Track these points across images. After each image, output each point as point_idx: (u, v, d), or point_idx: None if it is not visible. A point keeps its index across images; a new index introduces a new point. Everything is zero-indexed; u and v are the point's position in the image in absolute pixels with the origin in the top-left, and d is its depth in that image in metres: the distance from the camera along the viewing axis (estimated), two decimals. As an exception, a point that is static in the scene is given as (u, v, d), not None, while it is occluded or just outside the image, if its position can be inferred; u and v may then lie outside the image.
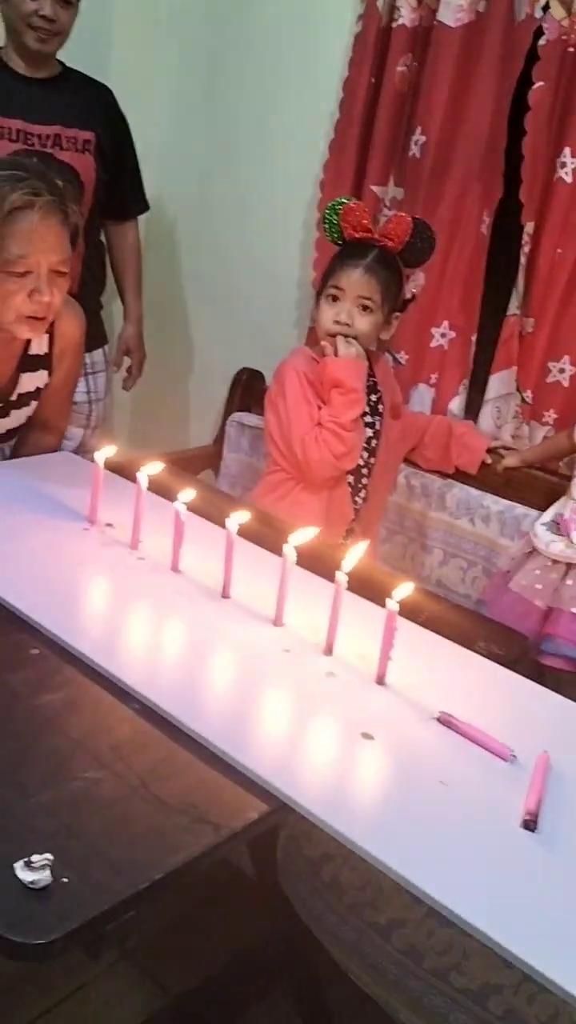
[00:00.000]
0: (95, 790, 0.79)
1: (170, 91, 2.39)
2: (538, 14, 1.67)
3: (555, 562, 1.61)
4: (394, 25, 1.85)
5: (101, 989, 1.44)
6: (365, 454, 1.79)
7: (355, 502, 1.81)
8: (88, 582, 1.16)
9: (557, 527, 1.63)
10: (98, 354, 2.13)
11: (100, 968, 1.46)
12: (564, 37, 1.66)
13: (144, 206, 2.19)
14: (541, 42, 1.67)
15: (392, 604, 0.99)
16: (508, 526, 1.84)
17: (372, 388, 1.80)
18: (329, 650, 1.07)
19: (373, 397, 1.80)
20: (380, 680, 1.02)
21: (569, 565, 1.60)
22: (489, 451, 1.87)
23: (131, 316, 2.22)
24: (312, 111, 2.10)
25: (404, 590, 1.01)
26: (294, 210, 2.21)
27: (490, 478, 1.90)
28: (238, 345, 2.41)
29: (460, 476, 1.93)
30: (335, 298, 1.68)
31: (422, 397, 2.02)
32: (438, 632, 1.17)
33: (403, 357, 2.00)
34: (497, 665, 1.11)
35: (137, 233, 2.19)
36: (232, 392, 2.31)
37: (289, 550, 1.09)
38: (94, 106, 1.97)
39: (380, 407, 1.81)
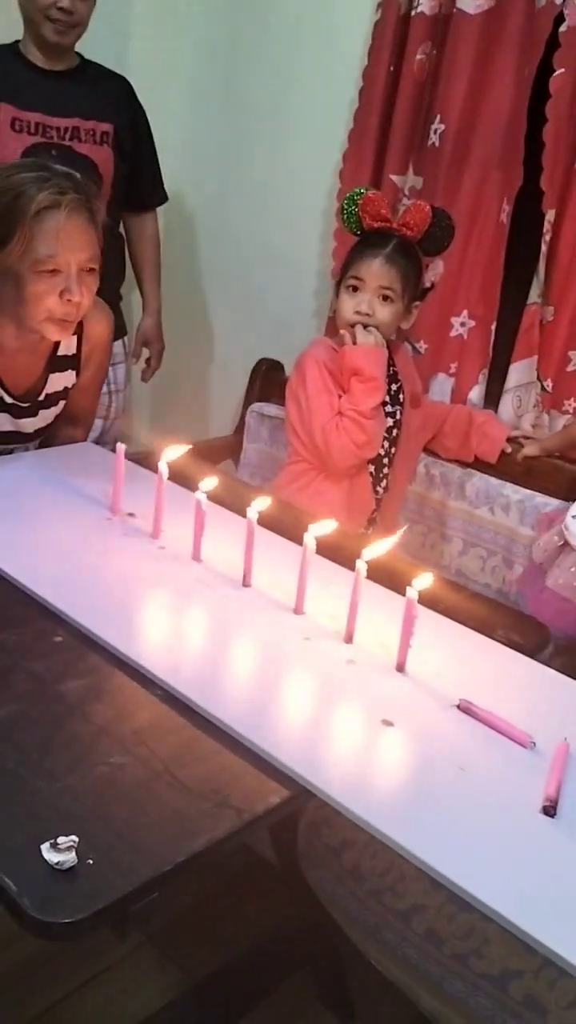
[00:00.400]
0: (119, 775, 0.80)
1: (188, 82, 2.39)
2: (559, 0, 1.65)
3: None
4: (413, 13, 1.84)
5: (124, 972, 1.46)
6: (386, 444, 1.80)
7: (376, 492, 1.82)
8: (111, 571, 1.17)
9: None
10: (117, 345, 2.15)
11: (123, 951, 1.48)
12: (585, 22, 1.64)
13: (163, 197, 2.19)
14: (562, 29, 1.66)
15: (412, 592, 1.00)
16: (528, 515, 1.83)
17: (393, 377, 1.81)
18: (349, 638, 1.08)
19: (394, 386, 1.80)
20: (400, 668, 1.03)
21: None
22: (509, 440, 1.87)
23: (150, 307, 2.23)
24: (331, 100, 2.10)
25: (424, 579, 1.01)
26: (313, 199, 2.21)
27: (510, 467, 1.90)
28: (258, 335, 2.42)
29: (480, 465, 1.93)
30: (355, 288, 1.68)
31: (442, 387, 2.02)
32: (458, 621, 1.17)
33: (422, 347, 2.00)
34: (517, 653, 1.11)
35: (156, 224, 2.20)
36: (252, 382, 2.31)
37: (309, 539, 1.10)
38: (112, 98, 1.98)
39: (401, 396, 1.82)
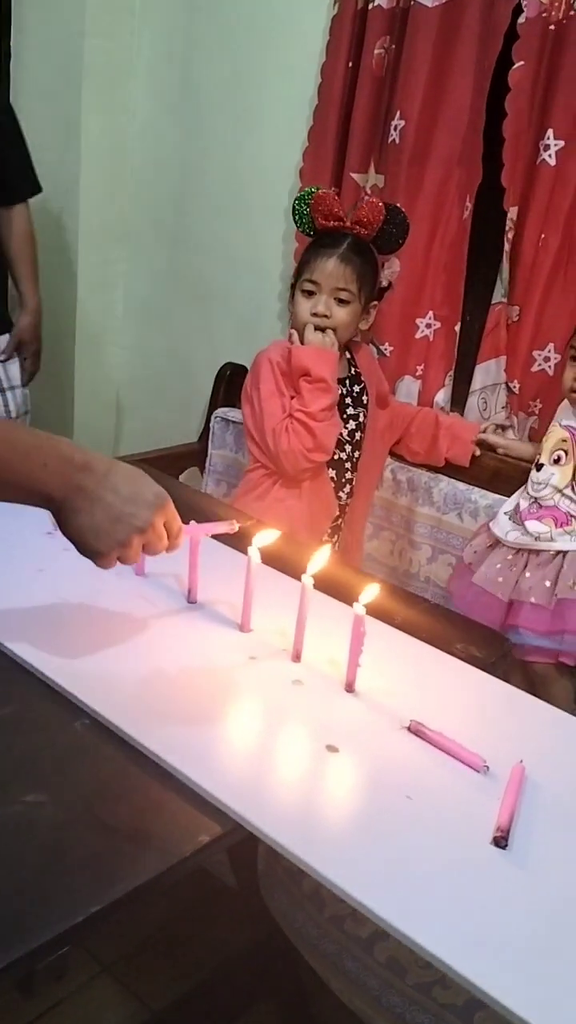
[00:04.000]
0: (35, 815, 0.74)
1: (147, 81, 2.34)
2: (517, -9, 1.61)
3: (516, 553, 1.61)
4: (371, 6, 1.79)
5: (81, 1005, 1.40)
6: (348, 448, 1.75)
7: (339, 497, 1.77)
8: (43, 587, 1.10)
9: (517, 517, 1.62)
10: (3, 340, 2.07)
11: (77, 983, 1.42)
12: (544, 15, 1.60)
13: (34, 188, 2.08)
14: (520, 20, 1.62)
15: (359, 608, 0.94)
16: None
17: (355, 378, 1.76)
18: (297, 657, 1.02)
19: (356, 388, 1.75)
20: (349, 688, 0.97)
21: (528, 554, 1.60)
22: (476, 443, 1.83)
23: (27, 306, 2.12)
24: (292, 98, 2.05)
25: (370, 592, 0.96)
26: (276, 199, 2.16)
27: (478, 472, 1.85)
28: (223, 339, 2.36)
29: (447, 470, 1.88)
30: (311, 292, 1.64)
31: (408, 389, 1.97)
32: (415, 634, 1.12)
33: (388, 349, 1.95)
34: (475, 669, 1.06)
35: (28, 218, 2.07)
36: (216, 387, 2.26)
37: (253, 551, 1.04)
38: None
39: (364, 398, 1.77)
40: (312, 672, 1.00)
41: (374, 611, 1.12)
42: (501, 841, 0.77)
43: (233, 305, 2.33)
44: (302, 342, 1.65)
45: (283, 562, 1.16)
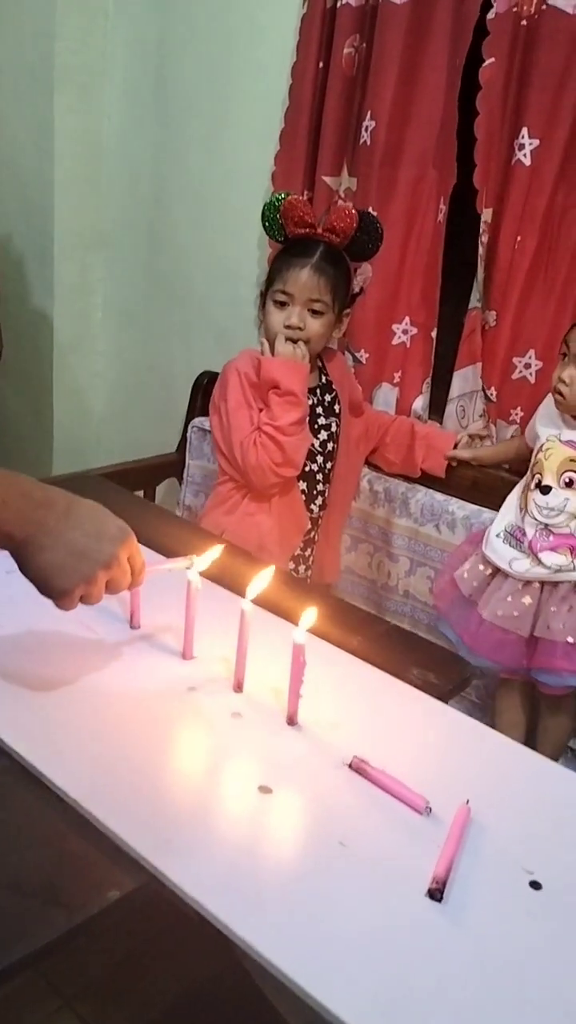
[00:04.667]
0: None
1: (120, 84, 2.29)
2: (486, -15, 1.56)
3: (527, 584, 1.49)
4: (339, 5, 1.74)
5: (40, 1040, 1.35)
6: (320, 459, 1.70)
7: (311, 510, 1.72)
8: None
9: (516, 541, 1.51)
10: None
11: (40, 1017, 1.37)
12: (515, 9, 1.54)
13: None
14: (490, 16, 1.56)
15: (298, 636, 0.89)
16: (475, 532, 1.73)
17: (327, 387, 1.71)
18: (239, 686, 0.97)
19: (328, 397, 1.70)
20: (291, 721, 0.92)
21: (543, 585, 1.49)
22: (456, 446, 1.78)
23: None
24: (266, 100, 2.00)
25: (308, 618, 0.91)
26: (251, 204, 2.09)
27: (455, 482, 1.80)
28: (201, 347, 2.32)
29: (424, 480, 1.83)
30: (283, 303, 1.59)
31: (386, 397, 1.92)
32: (371, 659, 1.07)
33: (363, 356, 1.90)
34: (429, 697, 1.00)
35: None
36: (193, 396, 2.21)
37: (193, 575, 0.99)
38: None
39: (336, 407, 1.72)
40: (253, 704, 0.95)
41: (328, 635, 1.07)
42: (436, 893, 0.72)
43: (210, 312, 2.28)
44: (273, 353, 1.60)
45: (237, 581, 1.11)
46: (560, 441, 1.51)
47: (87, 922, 0.67)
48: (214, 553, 1.01)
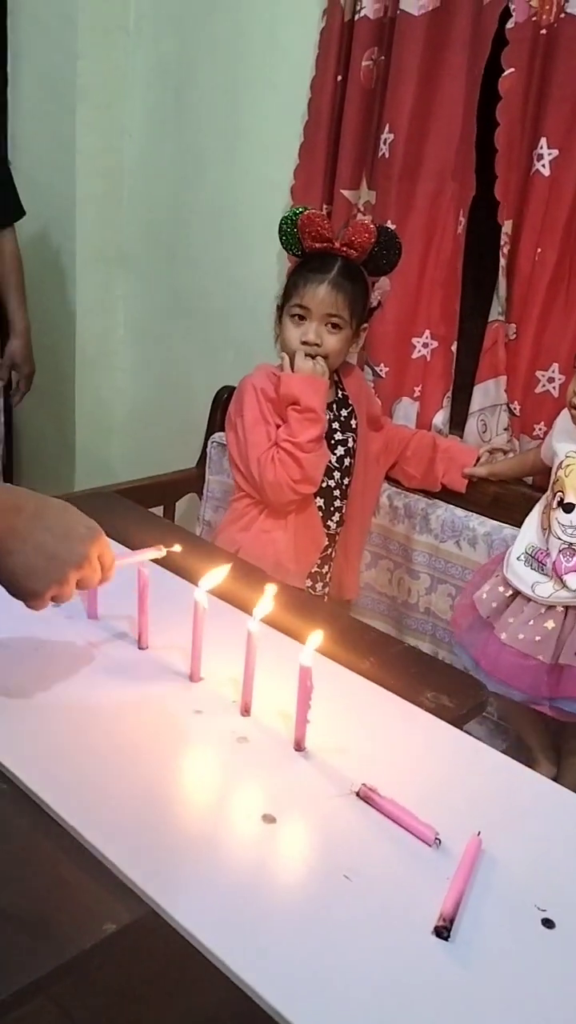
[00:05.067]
0: None
1: (141, 101, 2.30)
2: (504, -5, 1.54)
3: (550, 608, 1.45)
4: (357, 18, 1.73)
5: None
6: (337, 475, 1.68)
7: (328, 526, 1.69)
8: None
9: (538, 564, 1.46)
10: None
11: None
12: (534, 18, 1.52)
13: (16, 212, 2.09)
14: (509, 25, 1.54)
15: (304, 658, 0.86)
16: (496, 549, 1.70)
17: (343, 402, 1.69)
18: (246, 710, 0.94)
19: (344, 412, 1.68)
20: (298, 746, 0.90)
21: (568, 609, 1.43)
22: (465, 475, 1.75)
23: (16, 329, 2.16)
24: (284, 115, 1.99)
25: (314, 641, 0.88)
26: (271, 219, 2.08)
27: (477, 497, 1.77)
28: (221, 362, 2.31)
29: (445, 495, 1.80)
30: (300, 316, 1.57)
31: (406, 411, 1.90)
32: (383, 681, 1.04)
33: (383, 370, 1.87)
34: (442, 722, 0.97)
35: (14, 241, 2.10)
36: (213, 411, 2.20)
37: (200, 595, 0.97)
38: None
39: (353, 422, 1.70)
40: (260, 728, 0.92)
41: (339, 656, 1.05)
42: (443, 931, 0.69)
43: (231, 327, 2.27)
44: (291, 368, 1.59)
45: (249, 600, 1.09)
46: None
47: (79, 957, 0.65)
48: (221, 572, 0.99)
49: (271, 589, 0.94)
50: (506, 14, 1.54)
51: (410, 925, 0.70)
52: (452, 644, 1.79)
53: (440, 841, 0.78)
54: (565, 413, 1.52)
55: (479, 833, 0.79)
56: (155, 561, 1.07)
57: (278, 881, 0.74)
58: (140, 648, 1.05)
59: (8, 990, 0.62)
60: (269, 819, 0.80)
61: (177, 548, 1.06)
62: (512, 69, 1.55)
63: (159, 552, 1.02)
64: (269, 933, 0.68)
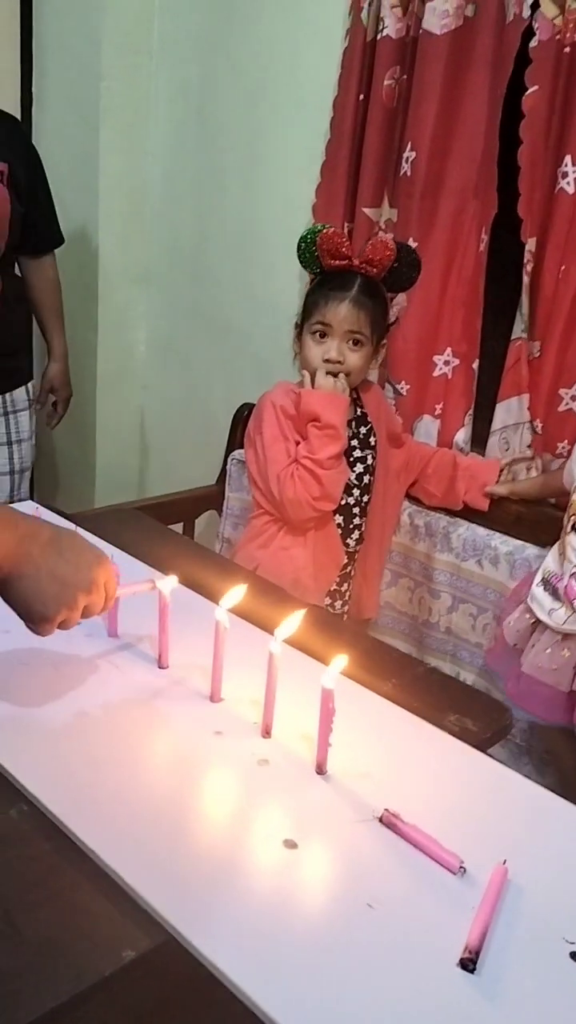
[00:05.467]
0: (-57, 922, 0.67)
1: (164, 122, 2.32)
2: (526, 13, 1.53)
3: (566, 636, 1.42)
4: (379, 37, 1.74)
5: None
6: (356, 492, 1.67)
7: (347, 544, 1.68)
8: (5, 650, 1.04)
9: (553, 589, 1.44)
10: (20, 392, 2.04)
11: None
12: (558, 36, 1.52)
13: (59, 239, 2.10)
14: (532, 43, 1.53)
15: (327, 681, 0.85)
16: (519, 568, 1.68)
17: (361, 419, 1.68)
18: (267, 731, 0.93)
19: (363, 429, 1.67)
20: (319, 769, 0.88)
21: None
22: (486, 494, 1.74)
23: (55, 353, 2.17)
24: (306, 134, 2.00)
25: (338, 664, 0.87)
26: (292, 238, 2.08)
27: (499, 516, 1.75)
28: (241, 380, 2.31)
29: (466, 513, 1.79)
30: (322, 334, 1.57)
31: (427, 429, 1.89)
32: (406, 703, 1.02)
33: (404, 388, 1.87)
34: (465, 746, 0.96)
35: (55, 267, 2.11)
36: (233, 428, 2.20)
37: (221, 614, 0.96)
38: (4, 137, 1.88)
39: (372, 440, 1.69)
40: (281, 750, 0.91)
41: (361, 678, 1.03)
42: (469, 964, 0.67)
43: (252, 345, 2.27)
44: (313, 385, 1.58)
45: (269, 619, 1.09)
46: None
47: (98, 984, 0.64)
48: (239, 593, 0.98)
49: (298, 614, 0.93)
50: (528, 32, 1.54)
51: (435, 956, 0.69)
52: (476, 665, 1.77)
53: (465, 869, 0.77)
54: None
55: (504, 861, 0.77)
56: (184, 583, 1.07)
57: (300, 908, 0.72)
58: (160, 667, 1.04)
59: (27, 1017, 0.61)
60: (290, 844, 0.79)
61: (173, 580, 1.04)
62: (536, 87, 1.54)
63: (149, 585, 1.02)
64: (290, 961, 0.67)
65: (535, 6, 1.52)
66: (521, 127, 1.58)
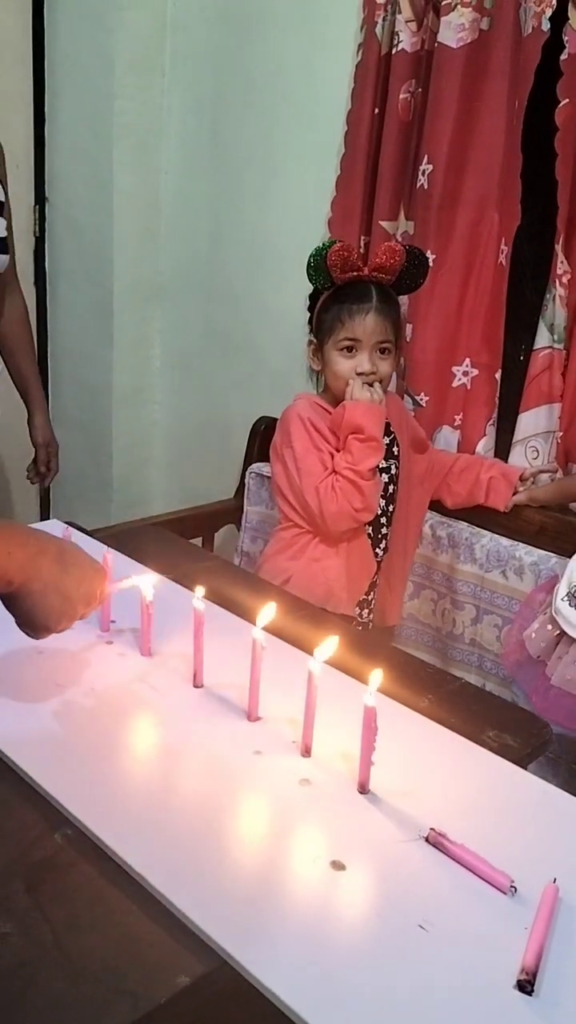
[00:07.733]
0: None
1: (177, 139, 2.33)
2: (545, 26, 1.54)
3: None
4: (394, 51, 1.74)
5: None
6: (383, 501, 1.67)
7: (375, 553, 1.68)
8: (40, 671, 1.04)
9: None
10: None
11: None
12: (584, 49, 1.52)
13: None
14: (563, 57, 1.53)
15: (369, 699, 0.85)
16: (544, 579, 1.67)
17: (385, 429, 1.68)
18: (307, 751, 0.93)
19: (386, 439, 1.67)
20: (362, 789, 0.88)
21: None
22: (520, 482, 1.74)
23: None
24: (319, 149, 2.01)
25: (376, 679, 0.87)
26: (306, 252, 2.09)
27: (522, 526, 1.74)
28: (258, 393, 2.31)
29: (490, 524, 1.78)
30: (350, 349, 1.58)
31: (447, 439, 1.88)
32: (443, 720, 1.02)
33: (423, 399, 1.86)
34: (506, 762, 0.95)
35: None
36: (251, 442, 2.20)
37: (258, 632, 0.96)
38: None
39: (396, 449, 1.69)
40: (322, 769, 0.91)
41: (396, 694, 1.03)
42: (527, 986, 0.67)
43: (266, 359, 2.28)
44: (351, 397, 1.59)
45: (304, 637, 1.08)
46: None
47: (154, 1012, 0.64)
48: (270, 610, 0.98)
49: (333, 639, 0.92)
50: (557, 45, 1.54)
51: (491, 979, 0.68)
52: (501, 676, 1.76)
53: (515, 889, 0.76)
54: None
55: (555, 880, 0.76)
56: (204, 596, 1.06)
57: (352, 931, 0.72)
58: (195, 686, 1.04)
59: (84, 1048, 0.60)
60: (338, 866, 0.78)
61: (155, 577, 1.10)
62: (567, 100, 1.54)
63: (131, 583, 1.08)
64: (346, 985, 0.66)
65: (561, 19, 1.52)
66: (556, 140, 1.57)
